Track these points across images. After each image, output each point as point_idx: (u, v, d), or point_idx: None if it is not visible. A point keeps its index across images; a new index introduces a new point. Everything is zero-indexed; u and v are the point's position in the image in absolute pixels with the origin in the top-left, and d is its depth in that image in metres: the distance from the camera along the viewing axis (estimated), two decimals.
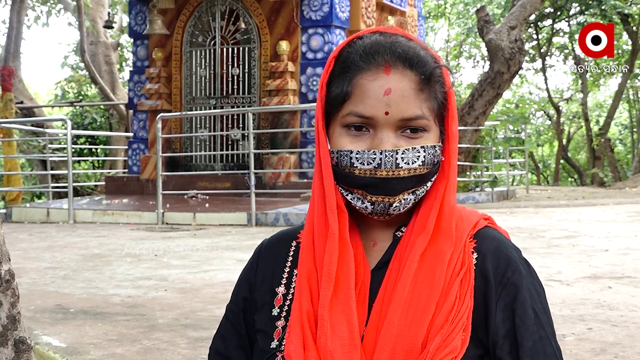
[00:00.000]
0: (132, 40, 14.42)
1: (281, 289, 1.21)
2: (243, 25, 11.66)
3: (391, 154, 1.11)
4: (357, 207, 1.15)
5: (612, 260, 5.73)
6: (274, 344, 1.17)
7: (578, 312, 4.03)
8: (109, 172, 17.17)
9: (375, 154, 1.11)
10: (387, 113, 1.11)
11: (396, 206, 1.13)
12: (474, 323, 1.11)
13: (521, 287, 1.13)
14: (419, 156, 1.12)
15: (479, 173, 13.25)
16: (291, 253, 1.24)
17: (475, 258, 1.15)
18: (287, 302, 1.19)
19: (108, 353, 3.37)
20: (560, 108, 24.97)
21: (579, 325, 3.75)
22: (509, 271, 1.14)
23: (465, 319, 1.10)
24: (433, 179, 1.16)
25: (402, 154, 1.11)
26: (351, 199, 1.15)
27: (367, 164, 1.11)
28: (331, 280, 1.12)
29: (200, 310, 4.18)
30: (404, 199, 1.13)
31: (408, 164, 1.11)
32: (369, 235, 1.20)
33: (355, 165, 1.12)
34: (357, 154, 1.12)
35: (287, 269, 1.23)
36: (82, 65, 20.07)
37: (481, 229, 1.19)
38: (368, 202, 1.13)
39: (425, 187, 1.15)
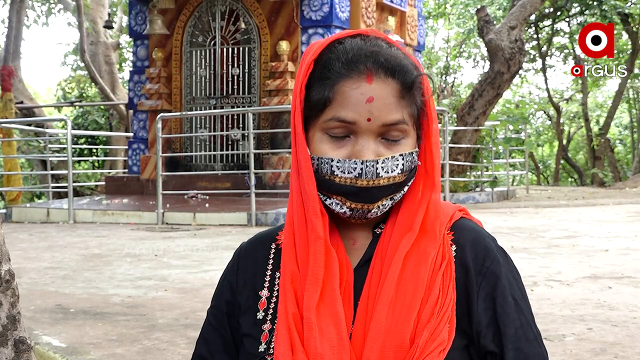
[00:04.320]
0: (132, 40, 14.42)
1: (264, 292, 1.22)
2: (243, 25, 11.66)
3: (372, 164, 1.12)
4: (336, 212, 1.16)
5: (612, 260, 5.74)
6: (261, 348, 1.17)
7: (578, 312, 4.03)
8: (109, 172, 17.17)
9: (356, 164, 1.12)
10: (369, 120, 1.12)
11: (374, 211, 1.15)
12: (458, 314, 1.13)
13: (500, 276, 1.16)
14: (397, 164, 1.13)
15: (479, 173, 13.25)
16: (271, 256, 1.25)
17: (454, 250, 1.17)
18: (272, 305, 1.20)
19: (108, 353, 3.38)
20: (561, 108, 24.97)
21: (579, 325, 3.75)
22: (487, 261, 1.16)
23: (450, 311, 1.11)
24: (409, 184, 1.17)
25: (382, 163, 1.12)
26: (329, 204, 1.16)
27: (348, 173, 1.12)
28: (318, 284, 1.12)
29: (200, 310, 4.18)
30: (382, 205, 1.15)
31: (388, 172, 1.13)
32: (349, 234, 1.21)
33: (335, 173, 1.13)
34: (338, 162, 1.13)
35: (268, 272, 1.23)
36: (82, 65, 20.07)
37: (457, 221, 1.21)
38: (347, 208, 1.14)
39: (402, 191, 1.17)
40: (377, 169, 1.12)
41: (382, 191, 1.14)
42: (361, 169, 1.12)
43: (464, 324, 1.13)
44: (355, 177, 1.12)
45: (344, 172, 1.12)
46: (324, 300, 1.13)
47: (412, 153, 1.15)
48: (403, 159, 1.14)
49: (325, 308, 1.12)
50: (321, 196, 1.16)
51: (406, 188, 1.17)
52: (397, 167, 1.13)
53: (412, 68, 1.15)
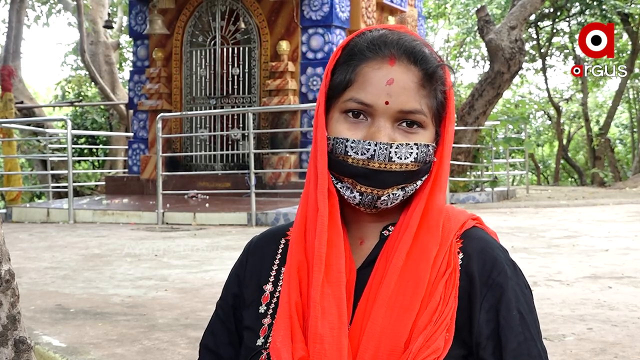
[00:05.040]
0: (132, 40, 14.42)
1: (269, 287, 1.22)
2: (243, 25, 11.66)
3: (385, 146, 1.12)
4: (346, 197, 1.15)
5: (612, 260, 5.74)
6: (259, 342, 1.17)
7: (578, 312, 4.03)
8: (109, 172, 17.17)
9: (370, 145, 1.12)
10: (387, 103, 1.12)
11: (384, 200, 1.14)
12: (458, 323, 1.11)
13: (506, 288, 1.13)
14: (411, 152, 1.13)
15: (479, 173, 13.25)
16: (279, 250, 1.25)
17: (461, 258, 1.15)
18: (274, 300, 1.20)
19: (108, 353, 3.38)
20: (561, 108, 24.98)
21: (579, 325, 3.75)
22: (494, 272, 1.14)
23: (449, 319, 1.10)
24: (423, 178, 1.17)
25: (396, 148, 1.12)
26: (340, 188, 1.16)
27: (361, 154, 1.12)
28: (322, 263, 1.12)
29: (200, 310, 4.19)
30: (393, 194, 1.14)
31: (401, 158, 1.12)
32: (357, 233, 1.20)
33: (349, 153, 1.13)
34: (352, 142, 1.13)
35: (275, 267, 1.23)
36: (82, 65, 20.08)
37: (468, 229, 1.19)
38: (357, 192, 1.14)
39: (415, 185, 1.16)
40: (390, 152, 1.12)
41: (393, 177, 1.13)
42: (374, 150, 1.12)
43: (464, 334, 1.12)
44: (368, 159, 1.12)
45: (357, 153, 1.13)
46: (328, 281, 1.12)
47: (427, 145, 1.15)
48: (418, 149, 1.14)
49: (330, 288, 1.12)
50: (333, 179, 1.16)
51: (419, 182, 1.16)
52: (410, 155, 1.13)
53: (433, 58, 1.17)
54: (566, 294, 4.53)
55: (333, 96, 1.17)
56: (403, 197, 1.16)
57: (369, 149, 1.12)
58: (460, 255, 1.16)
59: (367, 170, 1.12)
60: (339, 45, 1.20)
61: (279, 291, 1.20)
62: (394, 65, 1.14)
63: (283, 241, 1.26)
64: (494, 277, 1.14)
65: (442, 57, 1.19)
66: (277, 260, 1.24)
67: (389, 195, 1.14)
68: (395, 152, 1.12)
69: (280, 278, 1.21)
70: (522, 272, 1.19)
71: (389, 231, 1.19)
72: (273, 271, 1.23)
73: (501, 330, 1.11)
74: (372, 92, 1.13)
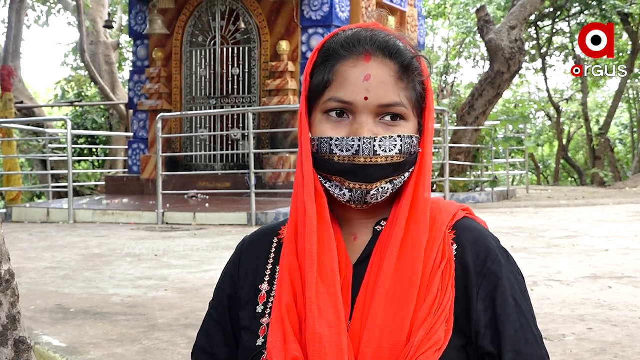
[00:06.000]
0: (132, 40, 14.42)
1: (264, 286, 1.22)
2: (243, 25, 11.66)
3: (369, 140, 1.13)
4: (336, 195, 1.16)
5: (612, 260, 5.74)
6: (259, 342, 1.17)
7: (578, 312, 4.03)
8: (109, 172, 17.17)
9: (354, 141, 1.13)
10: (366, 98, 1.14)
11: (374, 194, 1.15)
12: (456, 314, 1.12)
13: (501, 277, 1.15)
14: (395, 144, 1.14)
15: (479, 173, 13.25)
16: (273, 250, 1.25)
17: (455, 249, 1.17)
18: (271, 299, 1.20)
19: (108, 353, 3.38)
20: (561, 108, 24.97)
21: (579, 325, 3.75)
22: (488, 261, 1.16)
23: (448, 310, 1.11)
24: (410, 170, 1.18)
25: (380, 141, 1.14)
26: (329, 187, 1.17)
27: (346, 151, 1.14)
28: (314, 263, 1.13)
29: (200, 310, 4.18)
30: (382, 188, 1.15)
31: (385, 151, 1.14)
32: (350, 230, 1.21)
33: (334, 152, 1.14)
34: (336, 141, 1.14)
35: (269, 266, 1.24)
36: (82, 65, 20.07)
37: (460, 220, 1.21)
38: (346, 189, 1.15)
39: (402, 177, 1.17)
40: (374, 146, 1.13)
41: (380, 170, 1.14)
42: (359, 145, 1.13)
43: (463, 323, 1.13)
44: (353, 155, 1.13)
45: (342, 150, 1.14)
46: (322, 280, 1.13)
47: (411, 137, 1.16)
48: (402, 140, 1.15)
49: (324, 287, 1.12)
50: (322, 180, 1.17)
51: (407, 174, 1.17)
52: (395, 147, 1.14)
53: (408, 51, 1.18)
54: (566, 294, 4.53)
55: (314, 98, 1.19)
56: (392, 190, 1.17)
57: (353, 145, 1.13)
58: (455, 246, 1.17)
59: (354, 166, 1.14)
60: (315, 48, 1.22)
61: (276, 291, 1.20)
62: (370, 62, 1.15)
63: (276, 240, 1.26)
64: (489, 266, 1.16)
65: (417, 49, 1.20)
66: (271, 260, 1.24)
67: (378, 190, 1.15)
68: (380, 145, 1.13)
69: (276, 277, 1.22)
70: (514, 259, 1.21)
71: (382, 226, 1.20)
72: (268, 270, 1.23)
73: (498, 319, 1.13)
74: (351, 90, 1.14)
